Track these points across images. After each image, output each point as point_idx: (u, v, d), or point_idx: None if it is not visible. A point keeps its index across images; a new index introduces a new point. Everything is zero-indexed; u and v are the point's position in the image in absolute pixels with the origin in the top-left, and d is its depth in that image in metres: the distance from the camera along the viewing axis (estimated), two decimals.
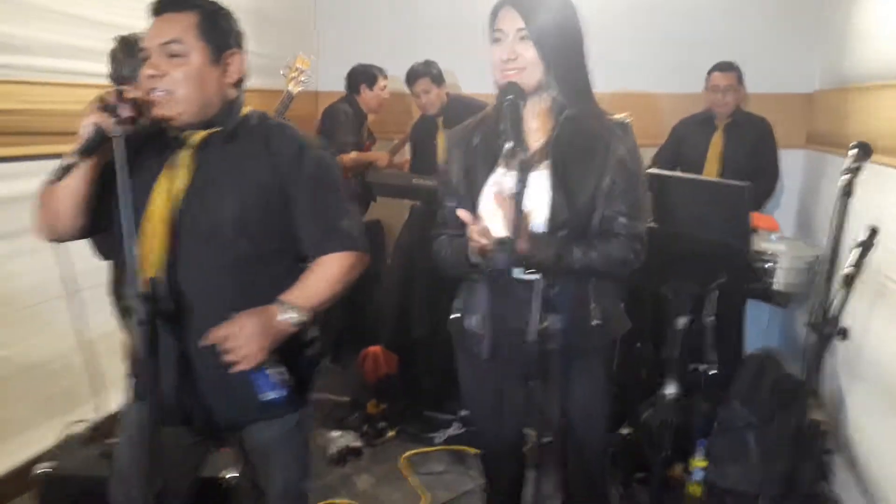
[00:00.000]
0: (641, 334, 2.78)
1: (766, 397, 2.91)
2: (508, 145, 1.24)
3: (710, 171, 3.44)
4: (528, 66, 1.45)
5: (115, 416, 1.38)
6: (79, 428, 2.23)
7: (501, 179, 1.52)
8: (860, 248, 1.79)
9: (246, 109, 1.49)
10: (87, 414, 2.48)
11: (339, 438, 2.88)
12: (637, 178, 1.54)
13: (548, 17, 1.44)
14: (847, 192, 1.81)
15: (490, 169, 1.55)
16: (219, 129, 1.42)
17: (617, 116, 1.56)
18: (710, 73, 3.46)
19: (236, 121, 1.45)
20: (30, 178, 2.33)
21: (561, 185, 1.48)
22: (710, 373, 2.47)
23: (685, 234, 2.01)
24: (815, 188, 3.61)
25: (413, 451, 2.94)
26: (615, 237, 1.51)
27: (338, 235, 1.48)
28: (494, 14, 1.49)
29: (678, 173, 3.05)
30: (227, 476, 1.97)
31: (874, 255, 1.83)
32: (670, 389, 2.10)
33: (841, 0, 3.31)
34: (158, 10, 1.37)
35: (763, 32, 3.78)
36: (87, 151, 1.26)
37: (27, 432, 2.51)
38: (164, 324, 1.35)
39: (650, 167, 2.93)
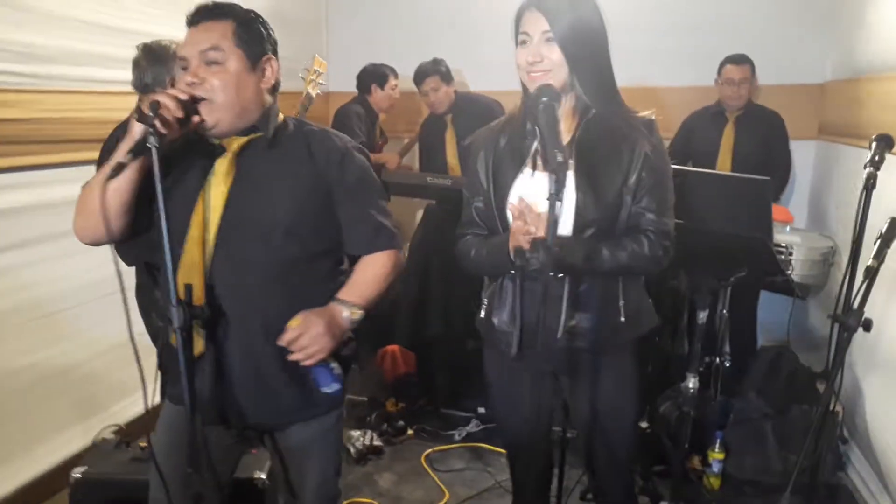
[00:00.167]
0: (659, 329, 2.79)
1: (782, 388, 2.93)
2: (554, 153, 1.24)
3: (724, 164, 3.43)
4: (554, 67, 1.46)
5: (143, 420, 1.41)
6: (107, 433, 2.26)
7: (528, 182, 1.54)
8: (881, 240, 1.80)
9: (280, 116, 1.51)
10: (115, 418, 2.52)
11: (361, 437, 2.91)
12: (664, 175, 1.55)
13: (572, 18, 1.45)
14: (871, 184, 1.81)
15: (517, 169, 1.56)
16: (259, 134, 1.44)
17: (643, 114, 1.57)
18: (722, 65, 3.43)
19: (275, 126, 1.47)
20: (54, 186, 2.38)
21: (586, 184, 1.49)
22: (726, 365, 2.48)
23: (705, 229, 2.02)
24: (827, 179, 3.60)
25: (433, 449, 2.97)
26: (643, 234, 1.52)
27: (385, 234, 1.54)
28: (519, 17, 1.50)
29: (700, 169, 3.06)
30: (261, 476, 2.01)
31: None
32: (691, 383, 2.11)
33: None
34: (195, 21, 1.39)
35: (774, 23, 3.75)
36: (137, 152, 1.28)
37: (55, 437, 2.53)
38: (201, 328, 1.39)
39: None
